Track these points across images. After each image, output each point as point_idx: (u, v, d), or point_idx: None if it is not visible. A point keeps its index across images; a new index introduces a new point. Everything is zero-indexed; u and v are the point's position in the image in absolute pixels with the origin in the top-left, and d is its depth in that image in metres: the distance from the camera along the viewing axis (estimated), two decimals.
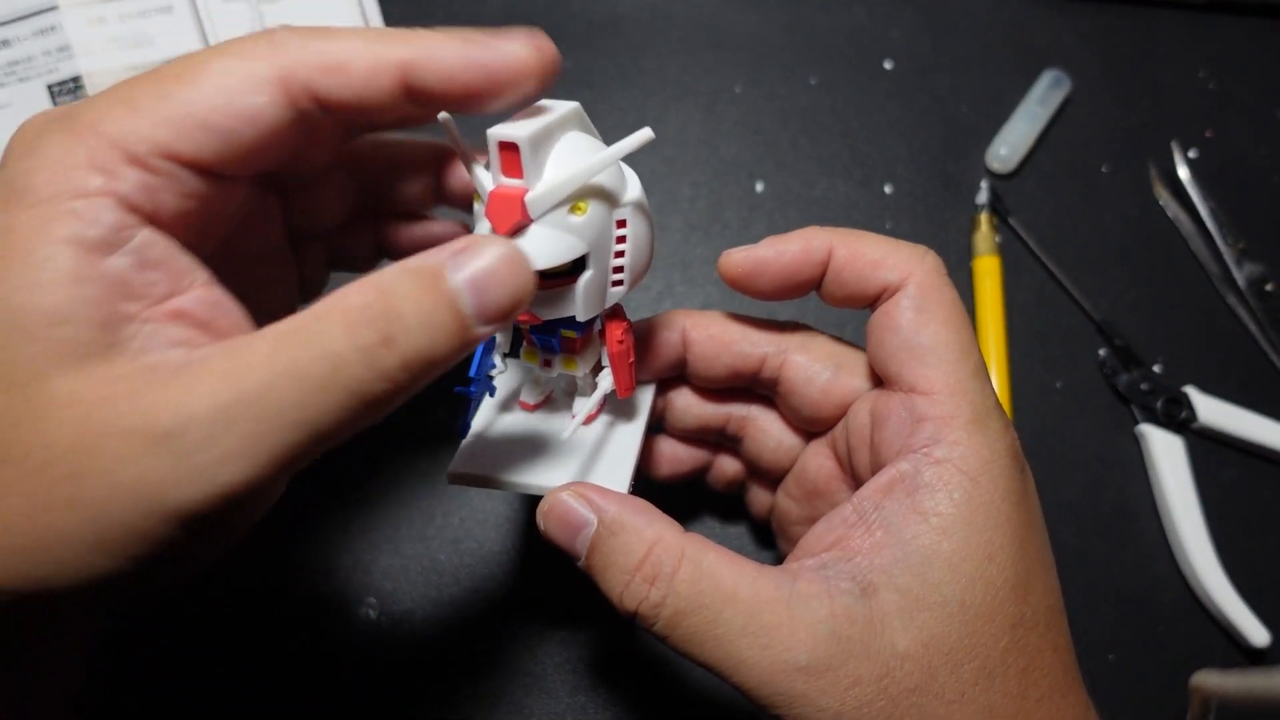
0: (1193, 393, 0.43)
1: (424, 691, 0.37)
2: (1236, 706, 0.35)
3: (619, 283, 0.26)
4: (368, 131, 0.29)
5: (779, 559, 0.30)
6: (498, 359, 0.29)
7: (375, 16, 0.46)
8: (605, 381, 0.28)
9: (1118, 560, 0.41)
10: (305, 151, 0.26)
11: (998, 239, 0.46)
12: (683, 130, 0.48)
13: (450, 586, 0.39)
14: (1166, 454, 0.42)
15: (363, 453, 0.40)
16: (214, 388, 0.19)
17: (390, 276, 0.20)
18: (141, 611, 0.37)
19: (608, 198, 0.25)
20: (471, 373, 0.27)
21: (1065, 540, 0.41)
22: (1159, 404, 0.43)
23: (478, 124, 0.24)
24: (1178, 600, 0.41)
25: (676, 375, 0.32)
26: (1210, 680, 0.36)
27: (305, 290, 0.32)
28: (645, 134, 0.23)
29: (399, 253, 0.33)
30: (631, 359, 0.28)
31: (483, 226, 0.24)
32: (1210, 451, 0.43)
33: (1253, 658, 0.40)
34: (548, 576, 0.39)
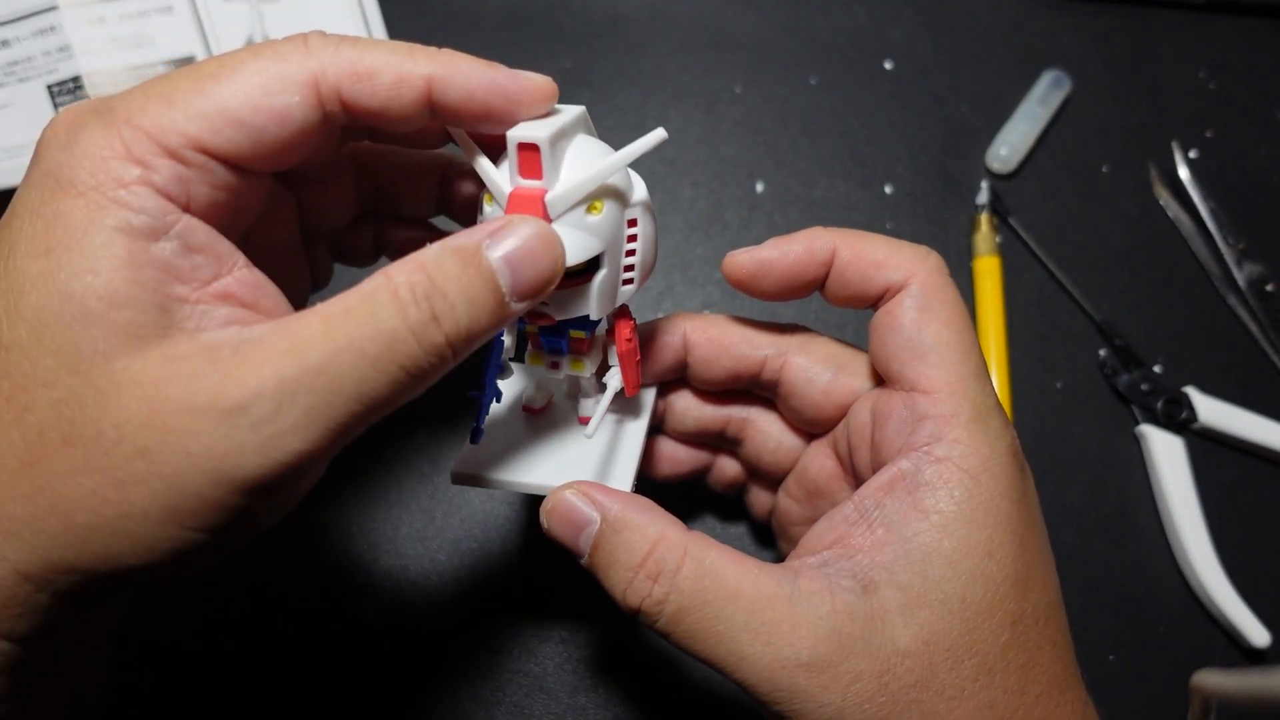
0: (1193, 393, 0.43)
1: (424, 691, 0.37)
2: (1236, 706, 0.35)
3: (629, 281, 0.27)
4: (373, 138, 0.29)
5: (779, 558, 0.30)
6: (513, 364, 0.29)
7: (375, 16, 0.46)
8: (614, 380, 0.29)
9: (1118, 560, 0.41)
10: (321, 153, 0.26)
11: (998, 239, 0.46)
12: (683, 130, 0.48)
13: (450, 586, 0.39)
14: (1166, 454, 0.42)
15: (363, 453, 0.40)
16: (277, 364, 0.20)
17: (433, 256, 0.21)
18: (144, 610, 0.37)
19: (620, 198, 0.25)
20: (483, 378, 0.28)
21: (1065, 540, 0.41)
22: (1159, 404, 0.43)
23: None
24: (1178, 600, 0.41)
25: (677, 378, 0.32)
26: (1210, 680, 0.36)
27: (315, 282, 0.33)
28: (659, 135, 0.23)
29: (398, 253, 0.33)
30: (638, 357, 0.29)
31: None
32: (1210, 452, 0.43)
33: (1253, 658, 0.40)
34: (547, 577, 0.39)
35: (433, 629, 0.38)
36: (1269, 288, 0.46)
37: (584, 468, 0.29)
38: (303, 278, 0.32)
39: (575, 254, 0.24)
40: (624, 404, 0.32)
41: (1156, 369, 0.45)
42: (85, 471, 0.19)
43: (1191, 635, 0.40)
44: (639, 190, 0.26)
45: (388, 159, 0.31)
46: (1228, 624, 0.39)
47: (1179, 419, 0.43)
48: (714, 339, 0.31)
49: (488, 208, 0.26)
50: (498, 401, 0.29)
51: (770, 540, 0.37)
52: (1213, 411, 0.43)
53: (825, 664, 0.23)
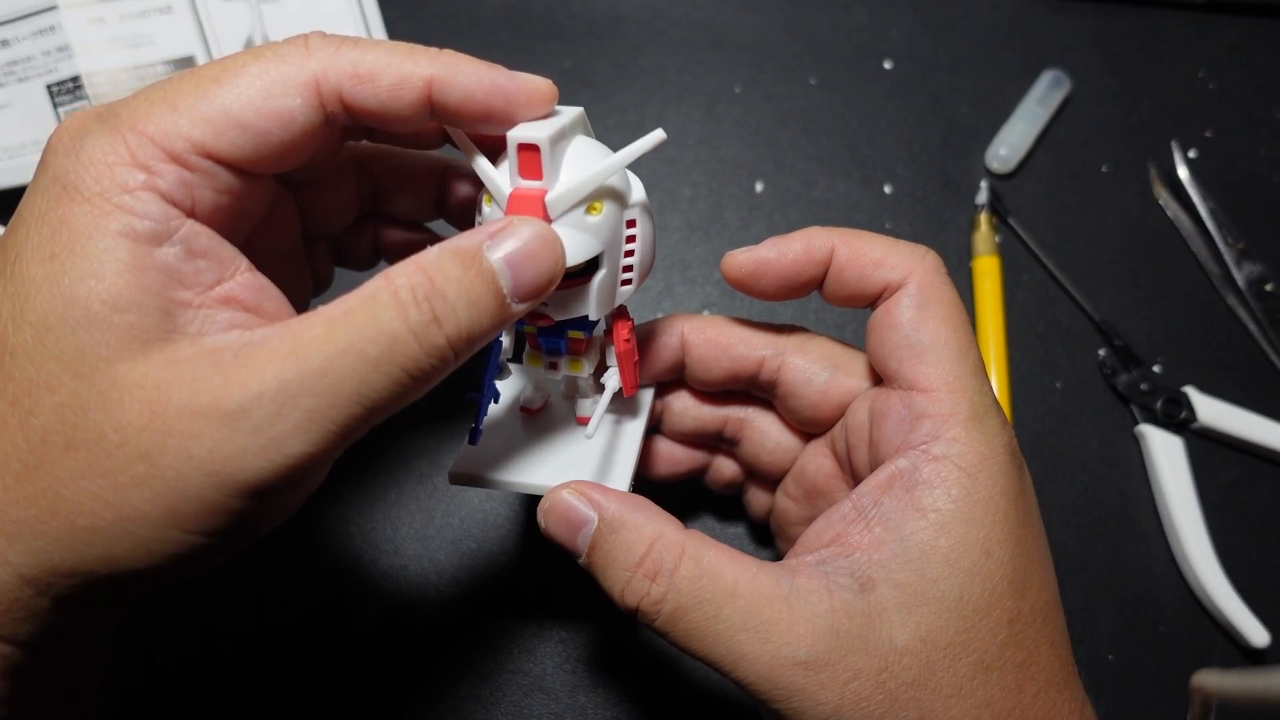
0: (1192, 393, 0.43)
1: (424, 691, 0.37)
2: (1236, 706, 0.35)
3: (628, 281, 0.27)
4: (371, 138, 0.29)
5: (778, 558, 0.30)
6: (511, 365, 0.29)
7: (375, 16, 0.46)
8: (612, 380, 0.29)
9: (1118, 560, 0.41)
10: (323, 156, 0.27)
11: (997, 239, 0.46)
12: (683, 130, 0.48)
13: (450, 586, 0.39)
14: (1166, 454, 0.42)
15: (363, 454, 0.40)
16: (279, 367, 0.20)
17: (434, 258, 0.21)
18: (144, 610, 0.37)
19: (619, 198, 0.25)
20: (482, 379, 0.28)
21: (1065, 540, 0.41)
22: (1159, 404, 0.43)
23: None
24: (1178, 600, 0.41)
25: (675, 379, 0.32)
26: (1210, 680, 0.36)
27: (315, 286, 0.33)
28: (658, 136, 0.24)
29: (396, 256, 0.33)
30: (636, 358, 0.29)
31: None
32: (1210, 452, 0.43)
33: (1253, 658, 0.40)
34: (547, 577, 0.39)
35: (432, 629, 0.38)
36: (1268, 288, 0.46)
37: (582, 468, 0.29)
38: (304, 281, 0.32)
39: (575, 254, 0.24)
40: (622, 404, 0.32)
41: (1156, 369, 0.45)
42: (88, 475, 0.19)
43: (1191, 635, 0.40)
44: (637, 191, 0.26)
45: (386, 160, 0.31)
46: (1228, 624, 0.39)
47: (1178, 419, 0.43)
48: (712, 339, 0.31)
49: (486, 208, 0.26)
50: (495, 402, 0.29)
51: (768, 540, 0.37)
52: (1212, 411, 0.43)
53: (823, 662, 0.23)
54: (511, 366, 0.32)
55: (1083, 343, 0.45)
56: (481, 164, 0.25)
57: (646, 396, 0.33)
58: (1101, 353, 0.45)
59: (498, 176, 0.25)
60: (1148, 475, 0.43)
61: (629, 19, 0.50)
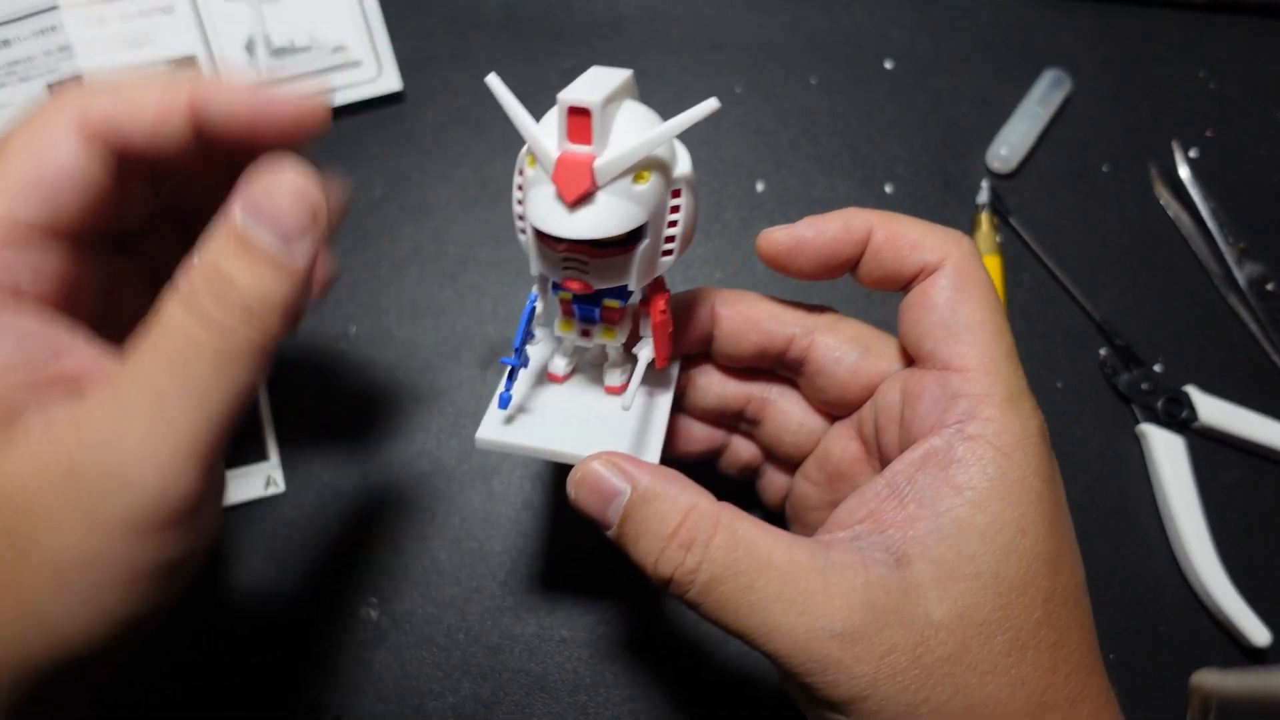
0: (1193, 392, 0.43)
1: (424, 691, 0.37)
2: (1236, 706, 0.35)
3: (669, 252, 0.26)
4: (172, 182, 0.29)
5: None
6: (537, 330, 0.28)
7: (375, 16, 0.46)
8: (645, 351, 0.28)
9: (1118, 560, 0.41)
10: (124, 208, 0.27)
11: (998, 239, 0.46)
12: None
13: (450, 586, 0.39)
14: (1167, 454, 0.42)
15: (362, 453, 0.40)
16: (131, 425, 0.20)
17: (198, 252, 0.22)
18: None
19: (665, 169, 0.25)
20: (515, 343, 0.28)
21: None
22: (1159, 404, 0.43)
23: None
24: (1178, 600, 0.41)
25: (701, 352, 0.32)
26: (1210, 680, 0.36)
27: None
28: (711, 104, 0.23)
29: None
30: (671, 329, 0.28)
31: (542, 191, 0.24)
32: (1211, 451, 0.43)
33: (1253, 657, 0.40)
34: (547, 576, 0.39)
35: (433, 628, 0.38)
36: (1269, 287, 0.46)
37: (612, 438, 0.29)
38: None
39: (621, 223, 0.24)
40: (651, 376, 0.31)
41: (1157, 368, 0.45)
42: None
43: (1191, 635, 0.40)
44: (684, 161, 0.25)
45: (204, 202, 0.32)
46: (1228, 623, 0.39)
47: (1179, 418, 0.43)
48: (743, 313, 0.31)
49: (529, 170, 0.25)
50: (524, 367, 0.29)
51: (781, 528, 0.37)
52: (1213, 411, 0.43)
53: (859, 635, 0.22)
54: (539, 332, 0.32)
55: (1083, 342, 0.45)
56: (527, 122, 0.24)
57: (673, 369, 0.32)
58: (1102, 352, 0.45)
59: (545, 138, 0.24)
60: (1149, 475, 0.43)
61: (629, 19, 0.50)
